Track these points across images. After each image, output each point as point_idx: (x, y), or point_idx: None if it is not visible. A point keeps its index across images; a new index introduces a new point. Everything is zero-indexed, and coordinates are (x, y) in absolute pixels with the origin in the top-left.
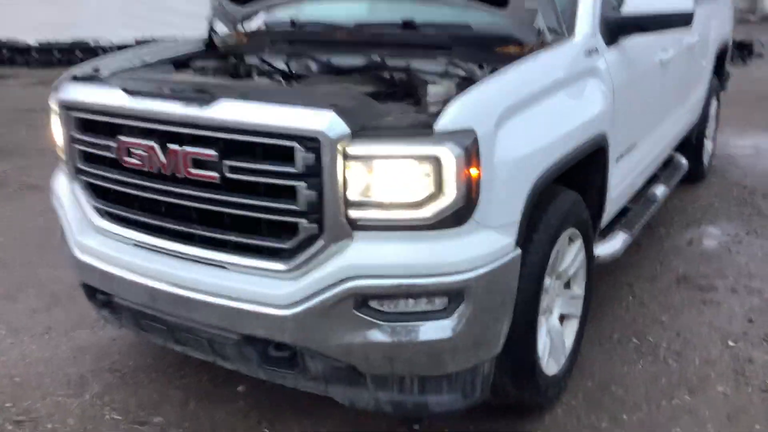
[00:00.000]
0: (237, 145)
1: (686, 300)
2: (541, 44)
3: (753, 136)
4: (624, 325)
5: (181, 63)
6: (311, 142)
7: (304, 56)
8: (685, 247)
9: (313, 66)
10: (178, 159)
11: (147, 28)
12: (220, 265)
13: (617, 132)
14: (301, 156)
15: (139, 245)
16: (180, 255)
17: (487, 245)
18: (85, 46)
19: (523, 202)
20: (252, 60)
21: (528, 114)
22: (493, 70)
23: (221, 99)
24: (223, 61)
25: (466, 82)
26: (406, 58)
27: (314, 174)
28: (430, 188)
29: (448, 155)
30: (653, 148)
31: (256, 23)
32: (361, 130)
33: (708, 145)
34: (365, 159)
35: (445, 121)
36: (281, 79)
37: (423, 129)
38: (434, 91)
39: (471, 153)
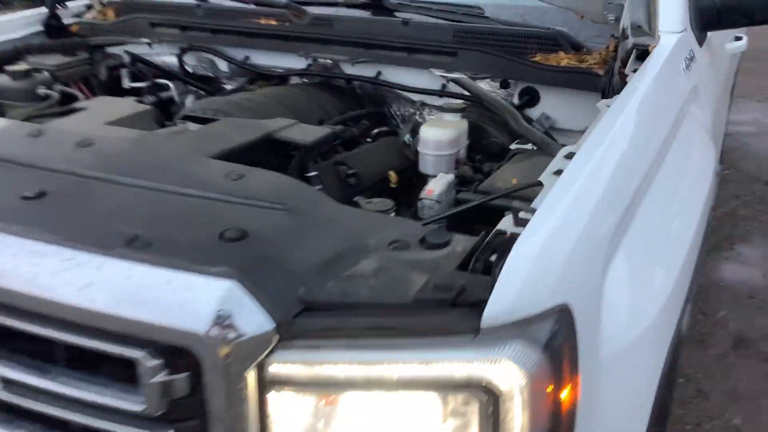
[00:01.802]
0: (12, 338)
1: (757, 383)
2: (614, 49)
3: (749, 109)
4: None
5: None
6: (179, 354)
7: (208, 51)
8: (726, 284)
9: (222, 69)
10: None
11: None
12: None
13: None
14: (157, 385)
15: None
16: None
17: None
18: None
19: (647, 421)
20: (116, 53)
21: (641, 223)
22: (528, 94)
23: None
24: (69, 58)
25: (483, 122)
26: (376, 63)
27: (189, 415)
28: None
29: (514, 377)
30: None
31: None
32: (301, 317)
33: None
34: (313, 388)
35: (506, 297)
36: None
37: (455, 321)
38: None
39: (562, 359)
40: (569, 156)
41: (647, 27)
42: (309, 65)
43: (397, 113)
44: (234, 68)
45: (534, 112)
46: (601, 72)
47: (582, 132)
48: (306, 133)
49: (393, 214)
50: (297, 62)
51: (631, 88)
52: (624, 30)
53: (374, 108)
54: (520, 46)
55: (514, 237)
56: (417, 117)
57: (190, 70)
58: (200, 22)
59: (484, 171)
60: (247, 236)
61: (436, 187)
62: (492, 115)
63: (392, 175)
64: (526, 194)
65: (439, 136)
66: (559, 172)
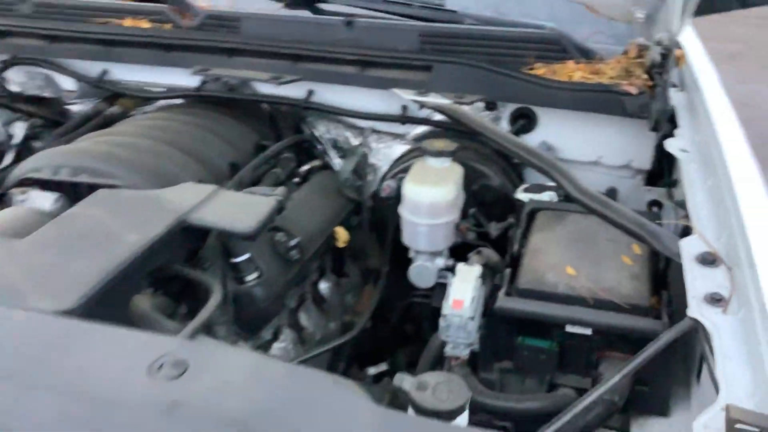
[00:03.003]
0: None
1: None
2: (637, 56)
3: None
4: None
5: None
6: None
7: (43, 64)
8: None
9: (67, 87)
10: None
11: None
12: None
13: None
14: None
15: None
16: None
17: None
18: None
19: None
20: None
21: None
22: (523, 117)
23: None
24: None
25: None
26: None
27: None
28: None
29: None
30: None
31: None
32: None
33: None
34: None
35: None
36: None
37: None
38: None
39: None
40: (708, 261)
41: (676, 23)
42: (204, 83)
43: (326, 137)
44: (85, 86)
45: (531, 140)
46: (633, 90)
47: (593, 164)
48: (239, 210)
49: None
50: (183, 78)
51: (701, 116)
52: (672, 33)
53: (297, 136)
54: (514, 53)
55: None
56: (363, 147)
57: (16, 89)
58: (28, 25)
59: (491, 236)
60: None
61: (465, 293)
62: (478, 147)
63: (341, 234)
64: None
65: (436, 197)
66: (718, 300)
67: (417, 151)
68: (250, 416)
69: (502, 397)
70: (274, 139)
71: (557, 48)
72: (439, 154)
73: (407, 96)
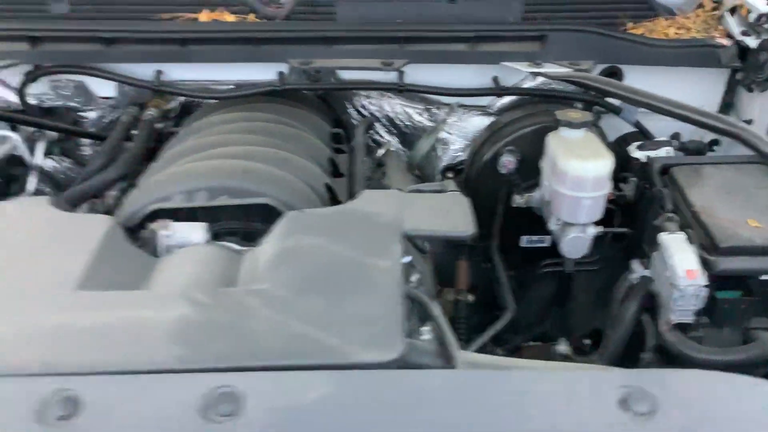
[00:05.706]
0: None
1: None
2: (714, 8)
3: None
4: None
5: None
6: None
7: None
8: None
9: (99, 94)
10: None
11: None
12: None
13: None
14: None
15: None
16: None
17: None
18: None
19: None
20: None
21: None
22: (610, 76)
23: None
24: None
25: None
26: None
27: None
28: None
29: None
30: None
31: None
32: None
33: None
34: None
35: None
36: None
37: None
38: None
39: None
40: None
41: None
42: (281, 75)
43: (378, 115)
44: (126, 92)
45: (616, 99)
46: (726, 42)
47: None
48: (444, 213)
49: None
50: (245, 72)
51: None
52: None
53: (367, 119)
54: (608, 14)
55: None
56: (439, 124)
57: (32, 102)
58: (69, 27)
59: (628, 198)
60: None
61: (692, 262)
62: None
63: None
64: None
65: (600, 170)
66: None
67: (515, 124)
68: None
69: (729, 352)
70: (333, 123)
71: (645, 6)
72: (582, 125)
73: (524, 69)
